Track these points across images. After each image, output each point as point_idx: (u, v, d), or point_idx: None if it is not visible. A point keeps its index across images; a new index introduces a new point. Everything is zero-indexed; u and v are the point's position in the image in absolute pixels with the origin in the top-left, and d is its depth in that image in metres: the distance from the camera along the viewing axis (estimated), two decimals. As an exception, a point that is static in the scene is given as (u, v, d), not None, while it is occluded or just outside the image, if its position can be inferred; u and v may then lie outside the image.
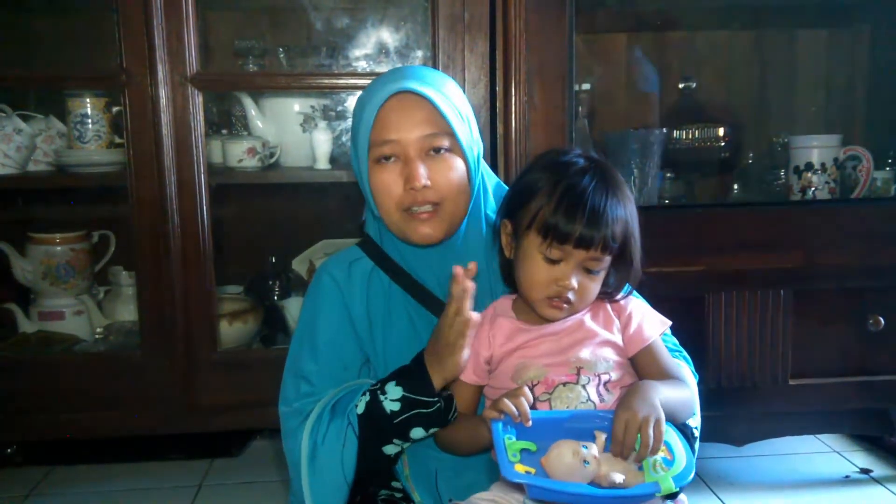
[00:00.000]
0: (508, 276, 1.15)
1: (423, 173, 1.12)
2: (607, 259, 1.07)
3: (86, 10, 2.18)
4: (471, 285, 1.06)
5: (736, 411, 1.89)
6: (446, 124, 1.14)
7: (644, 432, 0.95)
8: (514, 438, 0.98)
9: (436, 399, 1.08)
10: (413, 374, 1.10)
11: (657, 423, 0.97)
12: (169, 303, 1.84)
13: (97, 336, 2.05)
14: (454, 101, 1.16)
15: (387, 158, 1.14)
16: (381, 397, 1.10)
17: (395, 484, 1.22)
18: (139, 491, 1.97)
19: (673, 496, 1.05)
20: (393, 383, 1.10)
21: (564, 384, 1.06)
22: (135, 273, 1.91)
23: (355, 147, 1.17)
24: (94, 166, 1.98)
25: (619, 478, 0.95)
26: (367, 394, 1.12)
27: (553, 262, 1.06)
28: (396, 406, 1.09)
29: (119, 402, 1.88)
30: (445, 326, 1.08)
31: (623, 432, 0.96)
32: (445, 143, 1.14)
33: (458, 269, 1.06)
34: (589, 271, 1.07)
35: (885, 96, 2.22)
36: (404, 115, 1.13)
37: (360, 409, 1.11)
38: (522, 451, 0.97)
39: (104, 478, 2.03)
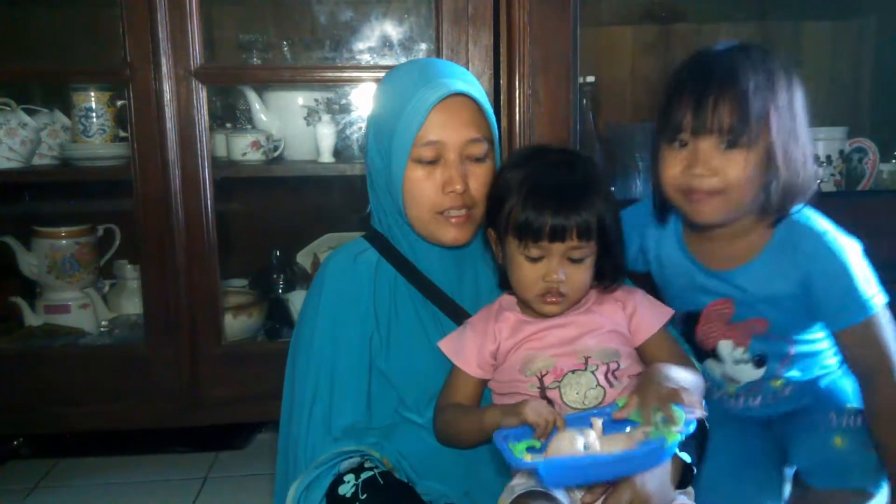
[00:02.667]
0: (504, 281, 1.15)
1: (463, 178, 1.12)
2: (589, 245, 1.07)
3: (90, 4, 2.18)
4: None
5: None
6: (488, 129, 1.15)
7: (670, 406, 0.96)
8: (516, 442, 0.98)
9: None
10: None
11: (678, 394, 0.97)
12: (174, 296, 1.84)
13: (102, 329, 2.06)
14: (489, 103, 1.17)
15: (427, 160, 1.13)
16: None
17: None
18: (145, 483, 1.97)
19: (689, 471, 1.06)
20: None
21: (573, 371, 1.07)
22: (139, 266, 1.91)
23: (388, 142, 1.14)
24: (98, 160, 1.98)
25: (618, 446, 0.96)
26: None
27: (535, 259, 1.06)
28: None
29: (124, 395, 1.89)
30: None
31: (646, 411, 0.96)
32: (485, 148, 1.15)
33: None
34: (573, 260, 1.07)
35: (891, 88, 2.21)
36: (451, 116, 1.12)
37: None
38: (528, 448, 0.98)
39: (109, 470, 2.03)
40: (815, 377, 1.29)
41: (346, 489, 1.06)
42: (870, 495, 1.21)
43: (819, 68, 2.36)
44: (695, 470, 1.07)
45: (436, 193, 1.13)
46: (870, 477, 1.20)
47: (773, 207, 1.15)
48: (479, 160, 1.15)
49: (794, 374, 1.27)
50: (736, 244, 1.20)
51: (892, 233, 1.82)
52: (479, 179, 1.14)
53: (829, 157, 2.00)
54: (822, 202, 1.82)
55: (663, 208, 1.24)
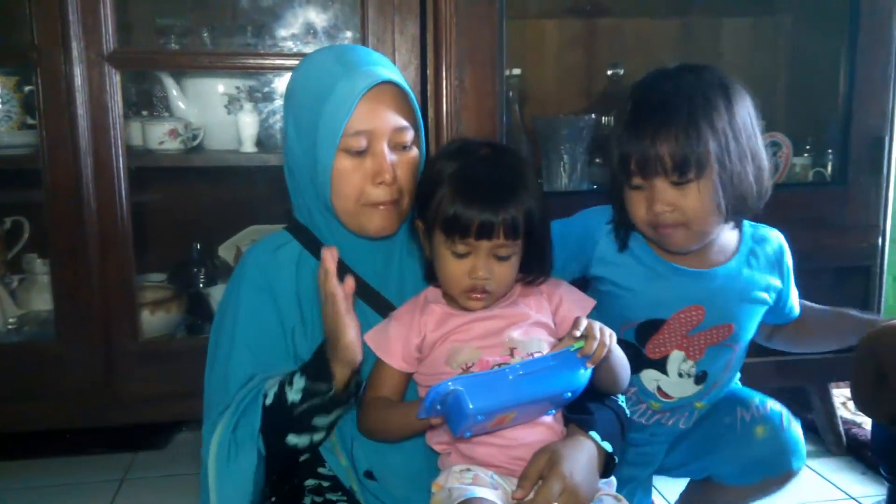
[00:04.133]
0: (430, 274, 1.14)
1: (392, 168, 1.11)
2: (515, 244, 1.07)
3: (-6, -17, 2.07)
4: (333, 267, 1.05)
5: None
6: (413, 116, 1.14)
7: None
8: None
9: (328, 386, 1.06)
10: (313, 364, 1.08)
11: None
12: (86, 292, 1.77)
13: (10, 326, 1.97)
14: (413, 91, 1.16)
15: (357, 150, 1.11)
16: (287, 389, 1.08)
17: (321, 471, 1.20)
18: (58, 487, 1.90)
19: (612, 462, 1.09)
20: (298, 374, 1.08)
21: (499, 364, 1.06)
22: (49, 261, 1.83)
23: (313, 133, 1.11)
24: (4, 149, 1.89)
25: None
26: (277, 385, 1.09)
27: (461, 256, 1.06)
28: (298, 396, 1.07)
29: (35, 394, 1.81)
30: (323, 314, 1.07)
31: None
32: (412, 136, 1.14)
33: (325, 252, 1.05)
34: (499, 258, 1.07)
35: (805, 84, 2.29)
36: (378, 105, 1.10)
37: (269, 400, 1.09)
38: None
39: (20, 474, 1.96)
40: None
41: (293, 395, 1.06)
42: (795, 472, 1.27)
43: (738, 64, 2.42)
44: (616, 460, 1.09)
45: (364, 184, 1.11)
46: (797, 456, 1.27)
47: (733, 220, 1.22)
48: (406, 148, 1.14)
49: (718, 393, 1.34)
50: (711, 248, 1.26)
51: (804, 224, 1.89)
52: (406, 168, 1.14)
53: (745, 151, 2.06)
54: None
55: (626, 237, 1.28)
